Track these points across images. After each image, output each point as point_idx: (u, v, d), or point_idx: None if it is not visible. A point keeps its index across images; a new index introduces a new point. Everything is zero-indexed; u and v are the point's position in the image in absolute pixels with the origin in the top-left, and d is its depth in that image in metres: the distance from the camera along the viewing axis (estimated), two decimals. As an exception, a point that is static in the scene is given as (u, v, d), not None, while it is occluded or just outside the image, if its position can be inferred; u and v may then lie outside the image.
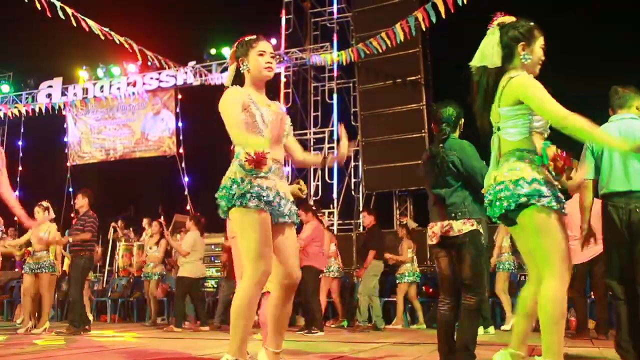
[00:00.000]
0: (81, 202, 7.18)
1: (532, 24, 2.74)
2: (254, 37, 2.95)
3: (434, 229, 3.44)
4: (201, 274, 8.13)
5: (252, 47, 2.91)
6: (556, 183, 2.65)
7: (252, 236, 2.67)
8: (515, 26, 2.72)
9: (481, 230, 3.35)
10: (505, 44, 2.71)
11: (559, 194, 2.62)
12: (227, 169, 2.84)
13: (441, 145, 3.44)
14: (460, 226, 3.33)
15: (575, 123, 2.46)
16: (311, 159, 3.38)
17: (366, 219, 8.47)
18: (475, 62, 2.79)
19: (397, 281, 8.22)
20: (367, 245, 7.99)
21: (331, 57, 11.54)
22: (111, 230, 11.82)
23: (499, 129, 2.75)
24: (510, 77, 2.67)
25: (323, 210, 11.09)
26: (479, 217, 3.37)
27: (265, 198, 2.71)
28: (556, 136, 2.65)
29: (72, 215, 9.98)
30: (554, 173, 2.60)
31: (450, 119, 3.50)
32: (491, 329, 6.90)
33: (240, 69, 2.93)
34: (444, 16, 7.84)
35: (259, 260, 2.66)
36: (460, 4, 7.61)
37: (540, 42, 2.74)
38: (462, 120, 3.58)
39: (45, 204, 7.65)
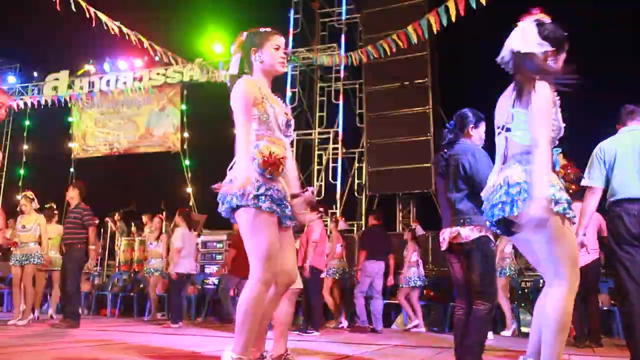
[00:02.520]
0: (71, 194, 7.14)
1: (565, 34, 2.63)
2: (269, 29, 2.87)
3: (444, 235, 3.42)
4: (189, 269, 7.85)
5: (269, 40, 2.82)
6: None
7: (263, 236, 2.61)
8: (553, 29, 2.61)
9: (491, 237, 3.29)
10: (544, 37, 2.59)
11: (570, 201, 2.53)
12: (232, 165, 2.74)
13: (450, 147, 3.43)
14: (468, 232, 3.28)
15: (539, 157, 2.40)
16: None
17: (370, 221, 8.50)
18: (512, 45, 2.64)
19: (401, 285, 8.11)
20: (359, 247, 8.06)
21: (339, 57, 11.53)
22: (110, 224, 11.84)
23: (508, 129, 2.63)
24: (536, 83, 2.52)
25: (329, 211, 11.07)
26: None
27: (277, 201, 2.67)
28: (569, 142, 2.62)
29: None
30: (563, 180, 2.58)
31: (462, 123, 3.51)
32: (489, 335, 6.88)
33: (252, 59, 2.83)
34: (453, 20, 7.80)
35: (268, 261, 2.61)
36: (474, 6, 7.56)
37: (564, 56, 2.65)
38: (472, 125, 3.52)
39: (30, 195, 7.63)
